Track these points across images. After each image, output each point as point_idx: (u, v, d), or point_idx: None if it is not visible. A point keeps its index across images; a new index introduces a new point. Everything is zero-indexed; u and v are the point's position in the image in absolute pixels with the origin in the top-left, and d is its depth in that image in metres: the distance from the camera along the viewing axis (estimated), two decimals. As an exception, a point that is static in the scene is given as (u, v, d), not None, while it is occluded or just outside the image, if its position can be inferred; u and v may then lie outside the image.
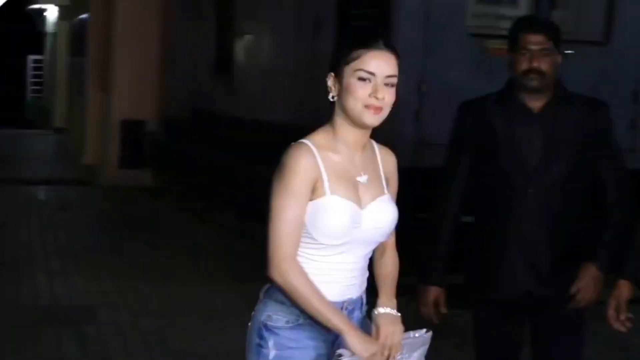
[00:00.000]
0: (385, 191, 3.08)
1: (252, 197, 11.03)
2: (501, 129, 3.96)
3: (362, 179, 3.02)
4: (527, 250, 3.94)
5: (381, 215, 3.03)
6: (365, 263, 3.09)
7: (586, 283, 3.97)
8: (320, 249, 2.96)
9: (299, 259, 2.95)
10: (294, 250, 2.93)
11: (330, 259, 2.97)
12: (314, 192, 2.92)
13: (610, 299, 3.90)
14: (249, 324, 3.06)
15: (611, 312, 3.89)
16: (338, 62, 2.97)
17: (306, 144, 2.95)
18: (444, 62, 7.90)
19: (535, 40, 3.90)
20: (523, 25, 4.02)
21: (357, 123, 2.96)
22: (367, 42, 2.95)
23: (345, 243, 2.96)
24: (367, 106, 2.92)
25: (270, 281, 2.97)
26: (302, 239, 2.94)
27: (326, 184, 2.92)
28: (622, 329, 3.90)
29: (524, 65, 3.91)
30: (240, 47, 11.97)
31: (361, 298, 3.11)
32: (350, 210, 2.94)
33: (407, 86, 7.91)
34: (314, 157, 2.93)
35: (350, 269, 3.02)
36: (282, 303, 2.98)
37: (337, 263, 2.98)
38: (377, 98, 2.91)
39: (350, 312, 3.05)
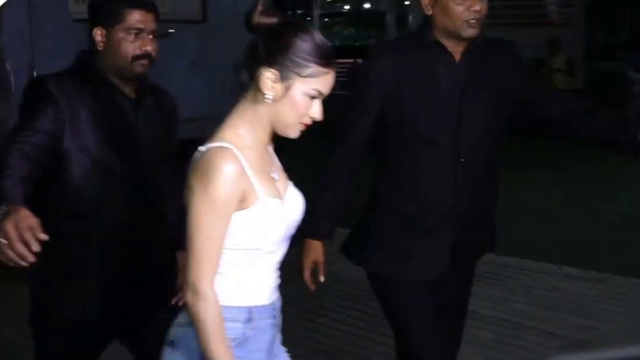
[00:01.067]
0: (288, 179, 2.83)
1: None
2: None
3: (275, 174, 2.74)
4: None
5: (297, 206, 2.78)
6: None
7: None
8: (264, 256, 2.68)
9: (246, 275, 2.67)
10: (215, 269, 2.58)
11: (268, 264, 2.71)
12: (246, 200, 2.58)
13: (306, 261, 3.61)
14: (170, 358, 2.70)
15: (307, 275, 3.62)
16: (285, 63, 2.59)
17: (228, 149, 2.56)
18: (52, 50, 7.84)
19: (147, 20, 3.30)
20: None
21: (279, 131, 2.68)
22: (328, 62, 2.60)
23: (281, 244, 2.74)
24: (301, 122, 2.65)
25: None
26: (248, 254, 2.65)
27: (258, 188, 2.60)
28: (313, 288, 3.65)
29: (134, 49, 3.27)
30: None
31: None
32: (282, 209, 2.68)
33: (19, 77, 7.71)
34: (240, 162, 2.56)
35: (276, 269, 2.77)
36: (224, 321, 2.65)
37: (271, 266, 2.74)
38: (313, 119, 2.65)
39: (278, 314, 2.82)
